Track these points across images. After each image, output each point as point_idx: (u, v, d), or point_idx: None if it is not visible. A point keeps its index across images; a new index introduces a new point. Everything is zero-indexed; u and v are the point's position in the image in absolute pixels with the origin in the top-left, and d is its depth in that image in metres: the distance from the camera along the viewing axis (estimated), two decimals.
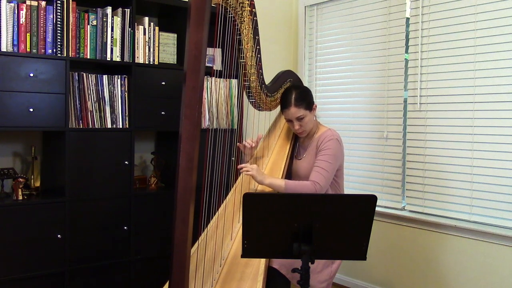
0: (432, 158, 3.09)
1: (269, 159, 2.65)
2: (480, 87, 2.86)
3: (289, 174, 2.66)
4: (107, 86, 2.92)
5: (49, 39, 2.71)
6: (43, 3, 2.69)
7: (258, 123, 3.01)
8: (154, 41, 3.09)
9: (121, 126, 2.96)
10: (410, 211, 3.22)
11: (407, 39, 3.22)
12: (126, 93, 2.98)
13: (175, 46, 3.25)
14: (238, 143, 2.65)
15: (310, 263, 1.74)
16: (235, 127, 3.32)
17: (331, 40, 3.76)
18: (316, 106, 2.60)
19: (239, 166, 2.44)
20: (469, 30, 2.90)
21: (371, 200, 1.70)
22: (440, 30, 3.04)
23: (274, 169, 2.55)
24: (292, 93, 2.53)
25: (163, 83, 3.10)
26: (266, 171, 2.55)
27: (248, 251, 1.76)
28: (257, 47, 2.45)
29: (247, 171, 2.38)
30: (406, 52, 3.23)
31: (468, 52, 2.91)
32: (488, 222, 2.83)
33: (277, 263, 2.27)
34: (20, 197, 2.69)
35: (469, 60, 2.90)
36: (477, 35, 2.87)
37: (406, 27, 3.23)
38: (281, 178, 2.47)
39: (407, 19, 3.23)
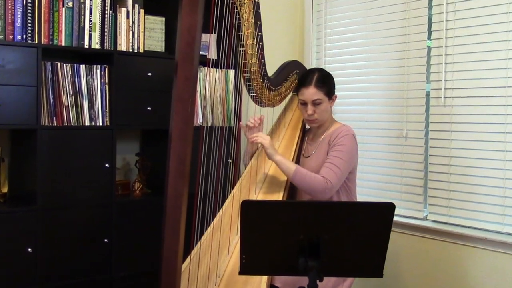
0: (459, 160, 3.09)
1: None
2: None
3: None
4: (84, 78, 2.93)
5: (18, 23, 2.71)
6: None
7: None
8: (138, 25, 3.10)
9: (100, 124, 2.98)
10: (433, 221, 3.22)
11: (430, 24, 3.22)
12: (106, 86, 3.00)
13: (163, 31, 3.26)
14: (240, 123, 2.67)
15: (318, 281, 1.74)
16: (232, 124, 3.33)
17: (342, 25, 3.76)
18: (336, 97, 2.64)
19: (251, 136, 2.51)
20: (501, 12, 2.89)
21: (388, 208, 1.71)
22: (467, 13, 3.03)
23: None
24: (315, 73, 2.63)
25: (149, 74, 3.11)
26: (271, 168, 2.58)
27: (247, 267, 1.77)
28: (259, 33, 2.46)
29: (258, 138, 2.46)
30: (429, 38, 3.24)
31: (500, 38, 2.90)
32: None
33: (280, 281, 2.28)
34: None
35: (501, 48, 2.90)
36: (511, 18, 2.87)
37: (429, 9, 3.23)
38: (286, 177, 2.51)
39: (430, 0, 3.23)
